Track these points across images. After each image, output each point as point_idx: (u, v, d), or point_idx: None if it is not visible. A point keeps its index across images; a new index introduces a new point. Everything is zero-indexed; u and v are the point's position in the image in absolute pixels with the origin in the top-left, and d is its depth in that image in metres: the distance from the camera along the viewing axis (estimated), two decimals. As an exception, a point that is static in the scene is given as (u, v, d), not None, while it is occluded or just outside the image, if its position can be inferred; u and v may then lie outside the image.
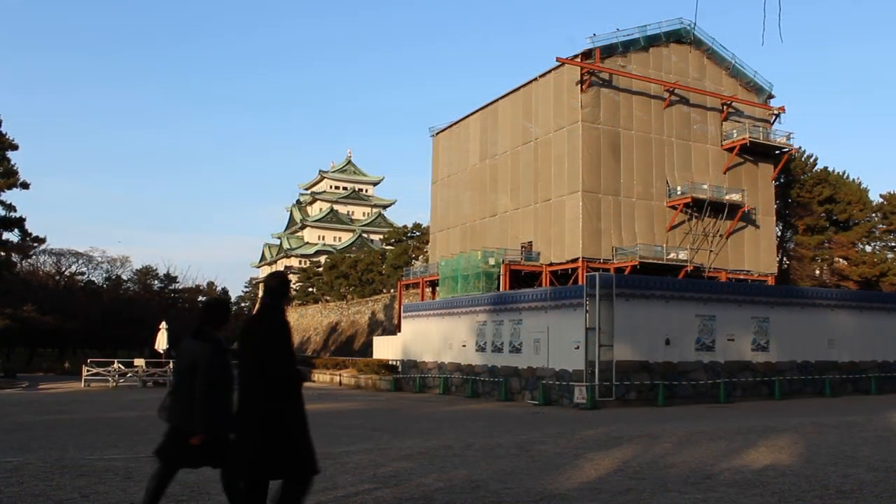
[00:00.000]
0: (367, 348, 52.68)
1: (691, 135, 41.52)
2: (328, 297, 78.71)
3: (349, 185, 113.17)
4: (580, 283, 28.20)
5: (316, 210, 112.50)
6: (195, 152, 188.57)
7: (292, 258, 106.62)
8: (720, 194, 40.54)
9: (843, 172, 53.05)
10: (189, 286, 75.58)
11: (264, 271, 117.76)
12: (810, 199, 50.41)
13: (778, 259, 47.82)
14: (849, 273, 49.17)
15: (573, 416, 19.32)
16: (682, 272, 38.42)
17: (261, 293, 5.23)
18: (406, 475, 8.52)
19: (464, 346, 30.10)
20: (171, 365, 36.14)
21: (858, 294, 34.49)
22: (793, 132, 43.77)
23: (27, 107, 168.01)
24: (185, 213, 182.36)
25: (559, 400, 23.86)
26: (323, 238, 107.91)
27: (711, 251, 40.96)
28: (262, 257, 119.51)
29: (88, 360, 37.94)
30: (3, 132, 43.02)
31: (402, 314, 37.20)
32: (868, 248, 52.24)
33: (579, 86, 38.24)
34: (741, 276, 40.82)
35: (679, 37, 41.79)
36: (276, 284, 5.24)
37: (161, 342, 37.25)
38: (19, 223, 44.17)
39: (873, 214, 52.29)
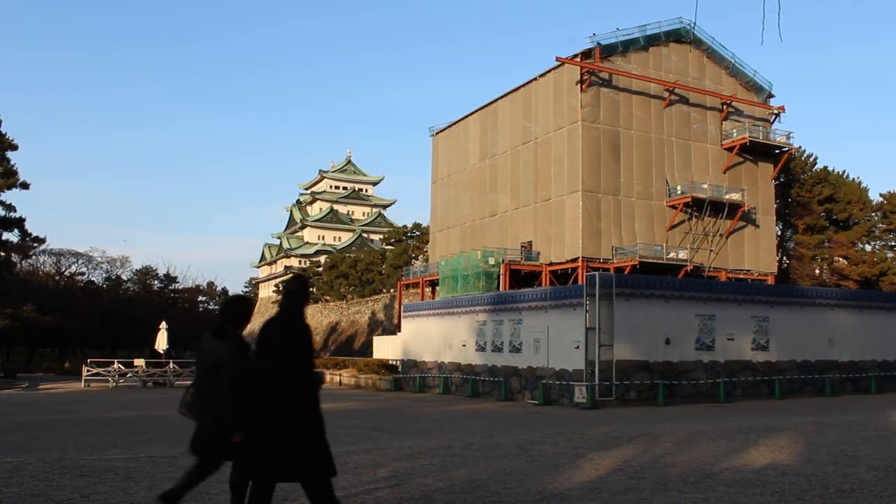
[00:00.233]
0: (367, 348, 52.69)
1: (691, 134, 41.52)
2: (328, 297, 78.70)
3: (349, 185, 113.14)
4: (580, 282, 28.21)
5: (316, 210, 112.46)
6: (195, 152, 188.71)
7: (292, 258, 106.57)
8: (720, 194, 40.54)
9: (843, 172, 53.10)
10: (189, 286, 75.75)
11: (264, 271, 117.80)
12: (810, 198, 50.42)
13: (778, 258, 47.82)
14: (849, 272, 49.18)
15: (573, 416, 19.32)
16: (681, 272, 38.43)
17: (281, 296, 5.26)
18: (406, 475, 8.52)
19: (464, 345, 30.11)
20: (172, 365, 36.15)
21: (858, 293, 34.50)
22: (793, 132, 43.91)
23: (27, 107, 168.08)
24: (184, 213, 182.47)
25: (559, 400, 23.86)
26: (323, 238, 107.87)
27: (711, 251, 40.96)
28: (262, 257, 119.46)
29: (88, 360, 37.95)
30: (3, 132, 43.04)
31: (402, 314, 37.21)
32: (868, 248, 52.26)
33: (579, 85, 38.24)
34: (741, 276, 40.83)
35: (679, 36, 41.79)
36: (296, 288, 5.28)
37: (161, 342, 37.25)
38: (19, 223, 44.18)
39: (873, 214, 52.31)
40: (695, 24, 42.20)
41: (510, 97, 43.66)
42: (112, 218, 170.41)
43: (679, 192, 40.04)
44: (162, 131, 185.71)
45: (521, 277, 39.94)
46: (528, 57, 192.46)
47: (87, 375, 34.92)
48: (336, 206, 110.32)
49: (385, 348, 40.87)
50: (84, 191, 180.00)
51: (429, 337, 33.15)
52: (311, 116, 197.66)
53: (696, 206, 40.10)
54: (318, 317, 76.08)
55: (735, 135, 41.78)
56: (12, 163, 43.28)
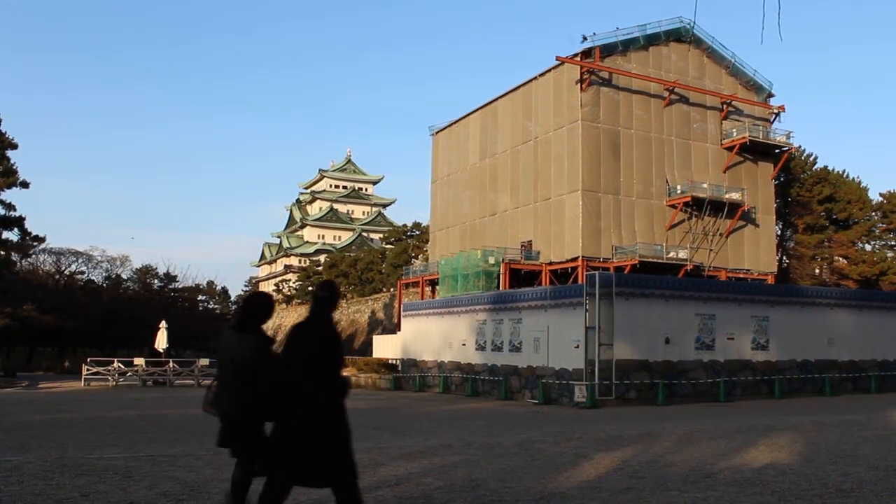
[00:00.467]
0: (367, 347, 52.68)
1: (691, 134, 41.52)
2: (328, 297, 78.57)
3: (349, 184, 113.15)
4: (580, 281, 28.21)
5: (316, 209, 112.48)
6: (195, 152, 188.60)
7: (292, 257, 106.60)
8: (720, 193, 40.55)
9: (843, 171, 53.11)
10: (189, 285, 75.60)
11: (264, 270, 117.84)
12: (810, 197, 50.43)
13: (778, 258, 47.83)
14: (848, 272, 49.19)
15: (573, 415, 19.32)
16: (681, 271, 38.44)
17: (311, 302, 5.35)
18: (406, 474, 8.52)
19: (463, 344, 30.10)
20: (172, 364, 36.16)
21: (858, 293, 34.50)
22: (792, 131, 43.94)
23: (27, 107, 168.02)
24: (184, 212, 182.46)
25: (559, 399, 23.86)
26: (323, 237, 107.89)
27: (711, 250, 40.97)
28: (262, 256, 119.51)
29: (88, 359, 37.93)
30: (3, 131, 43.07)
31: (402, 313, 37.20)
32: (868, 247, 52.27)
33: (579, 85, 38.24)
34: (741, 275, 40.84)
35: (679, 36, 41.79)
36: (326, 294, 5.35)
37: (161, 341, 37.25)
38: (19, 222, 44.19)
39: (873, 213, 52.32)
40: (695, 23, 42.24)
41: (510, 96, 43.65)
42: (112, 217, 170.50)
43: (679, 192, 40.04)
44: (162, 131, 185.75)
45: (521, 277, 39.95)
46: (528, 57, 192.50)
47: (87, 374, 34.92)
48: (336, 206, 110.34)
49: (385, 347, 40.86)
50: (84, 190, 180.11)
51: (429, 336, 33.15)
52: (311, 116, 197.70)
53: (696, 206, 40.10)
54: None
55: (735, 134, 41.78)
56: (12, 162, 43.33)
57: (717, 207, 40.61)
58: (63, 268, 69.13)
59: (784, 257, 51.74)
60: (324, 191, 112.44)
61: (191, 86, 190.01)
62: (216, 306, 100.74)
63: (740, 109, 42.89)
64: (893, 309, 29.69)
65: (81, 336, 60.92)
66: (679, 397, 23.67)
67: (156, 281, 74.29)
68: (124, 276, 73.82)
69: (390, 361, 37.08)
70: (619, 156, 39.05)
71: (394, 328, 48.20)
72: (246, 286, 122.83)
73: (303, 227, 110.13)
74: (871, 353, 28.52)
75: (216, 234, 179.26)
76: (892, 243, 52.50)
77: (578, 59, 38.53)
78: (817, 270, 51.26)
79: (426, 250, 57.62)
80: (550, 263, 39.28)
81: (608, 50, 39.24)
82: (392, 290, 60.57)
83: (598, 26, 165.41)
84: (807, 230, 50.76)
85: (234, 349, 5.47)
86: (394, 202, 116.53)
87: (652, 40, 40.85)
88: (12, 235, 45.29)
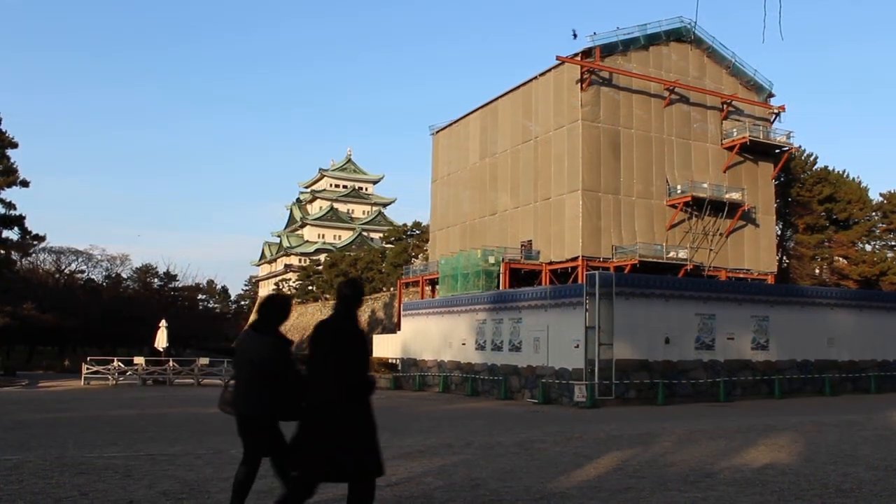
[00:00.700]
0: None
1: (691, 133, 41.50)
2: (328, 296, 78.69)
3: (349, 184, 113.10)
4: (580, 281, 28.20)
5: (316, 208, 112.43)
6: (195, 152, 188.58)
7: (292, 256, 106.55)
8: (720, 193, 40.53)
9: (843, 171, 53.11)
10: (189, 284, 75.68)
11: (264, 269, 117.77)
12: (810, 197, 50.42)
13: (778, 258, 47.82)
14: (848, 272, 49.19)
15: (573, 415, 19.32)
16: (681, 271, 38.43)
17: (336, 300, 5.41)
18: (406, 473, 8.52)
19: (463, 344, 30.10)
20: (171, 363, 36.15)
21: (858, 293, 34.50)
22: (793, 131, 43.92)
23: (27, 106, 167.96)
24: (184, 211, 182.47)
25: (559, 398, 23.86)
26: (323, 236, 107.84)
27: (711, 250, 40.95)
28: (262, 255, 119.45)
29: (88, 358, 37.95)
30: (3, 130, 43.05)
31: (402, 312, 37.20)
32: (868, 247, 52.28)
33: (579, 84, 38.21)
34: (741, 275, 40.83)
35: (679, 35, 41.76)
36: (351, 292, 5.33)
37: (161, 340, 37.26)
38: (19, 221, 44.19)
39: (873, 213, 52.32)
40: (695, 23, 42.18)
41: (510, 96, 43.63)
42: (112, 216, 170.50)
43: (679, 192, 40.03)
44: (162, 131, 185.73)
45: (521, 276, 39.94)
46: (528, 56, 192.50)
47: (87, 373, 34.91)
48: (336, 205, 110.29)
49: (385, 347, 40.84)
50: (84, 189, 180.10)
51: (428, 335, 33.15)
52: (311, 116, 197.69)
53: (696, 206, 40.09)
54: (318, 315, 76.12)
55: (735, 134, 41.76)
56: (12, 161, 43.33)
57: (717, 207, 40.60)
58: (63, 267, 69.15)
59: (784, 257, 51.73)
60: (324, 190, 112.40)
61: (191, 86, 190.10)
62: (216, 305, 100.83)
63: (740, 109, 42.87)
64: (893, 309, 29.69)
65: (81, 335, 60.96)
66: (679, 397, 23.66)
67: (156, 280, 74.35)
68: (124, 276, 73.89)
69: (390, 361, 37.08)
70: (619, 155, 39.04)
71: (394, 327, 48.20)
72: (246, 285, 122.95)
73: (303, 226, 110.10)
74: (870, 354, 28.52)
75: (216, 233, 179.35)
76: (892, 243, 52.50)
77: (579, 58, 38.51)
78: (817, 270, 51.26)
79: (426, 250, 57.60)
80: (550, 263, 39.27)
81: (608, 49, 39.22)
82: (392, 289, 60.57)
83: (599, 26, 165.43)
84: (807, 230, 50.76)
85: (252, 350, 5.56)
86: (394, 202, 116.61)
87: (652, 40, 40.82)
88: (12, 234, 45.34)
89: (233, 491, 5.59)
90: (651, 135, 40.17)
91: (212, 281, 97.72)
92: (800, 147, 50.11)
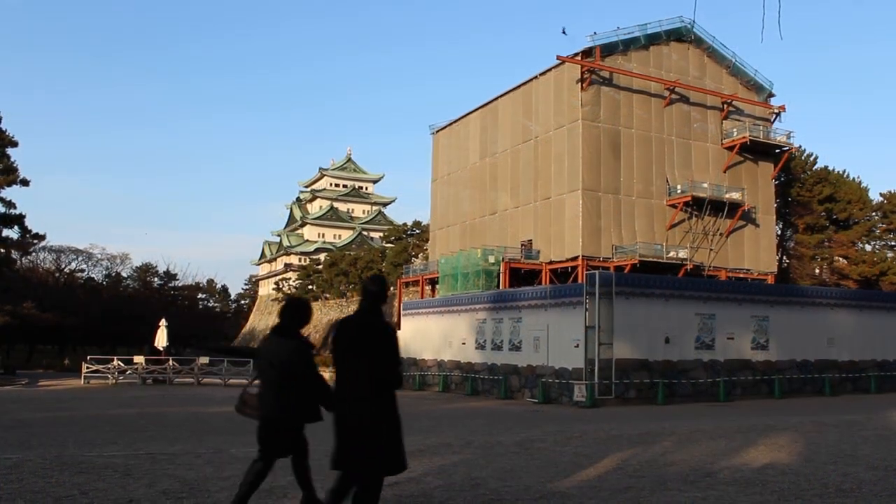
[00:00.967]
0: (367, 346, 52.59)
1: (691, 133, 41.49)
2: (328, 295, 78.73)
3: (349, 183, 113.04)
4: (580, 281, 28.20)
5: (316, 207, 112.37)
6: (195, 152, 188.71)
7: (292, 255, 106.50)
8: (720, 193, 40.53)
9: (844, 171, 53.11)
10: (189, 283, 75.73)
11: (264, 269, 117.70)
12: (810, 197, 50.41)
13: (778, 258, 47.82)
14: (848, 272, 49.18)
15: (573, 415, 19.32)
16: (681, 271, 38.42)
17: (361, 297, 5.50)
18: (405, 473, 8.49)
19: (463, 343, 30.10)
20: (171, 362, 36.13)
21: (858, 293, 34.50)
22: (793, 131, 43.91)
23: (27, 106, 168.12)
24: (184, 211, 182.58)
25: (559, 398, 23.86)
26: (323, 235, 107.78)
27: (711, 250, 40.95)
28: (262, 255, 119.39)
29: (88, 357, 37.91)
30: (3, 129, 43.06)
31: (402, 312, 37.20)
32: (868, 247, 52.27)
33: (579, 84, 38.20)
34: (741, 275, 40.83)
35: (679, 35, 41.75)
36: (377, 289, 5.35)
37: (161, 339, 37.25)
38: (19, 220, 44.20)
39: (873, 213, 52.30)
40: (695, 23, 42.19)
41: (510, 95, 43.62)
42: (112, 216, 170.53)
43: (679, 191, 40.02)
44: (162, 131, 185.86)
45: (521, 276, 39.93)
46: (528, 56, 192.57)
47: (87, 372, 34.89)
48: (336, 204, 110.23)
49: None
50: (84, 188, 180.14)
51: (428, 335, 33.15)
52: (311, 116, 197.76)
53: (696, 205, 40.08)
54: (318, 314, 76.10)
55: (735, 134, 41.75)
56: (12, 160, 43.37)
57: (717, 207, 40.59)
58: (63, 266, 69.16)
59: (784, 257, 51.73)
60: (324, 189, 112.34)
61: (191, 86, 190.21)
62: (216, 305, 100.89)
63: (741, 109, 42.86)
64: (893, 309, 29.69)
65: (81, 334, 60.98)
66: (679, 397, 23.67)
67: (156, 279, 74.40)
68: (124, 275, 73.95)
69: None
70: (619, 155, 39.03)
71: (394, 327, 48.18)
72: (246, 285, 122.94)
73: (303, 225, 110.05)
74: (870, 354, 28.53)
75: (216, 232, 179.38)
76: (892, 243, 52.50)
77: (579, 58, 38.50)
78: (817, 270, 51.26)
79: (426, 249, 57.59)
80: (550, 262, 39.27)
81: (609, 49, 39.20)
82: (392, 288, 60.56)
83: (599, 26, 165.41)
84: (807, 230, 50.75)
85: (276, 353, 5.67)
86: (394, 201, 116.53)
87: (652, 40, 40.81)
88: (12, 233, 45.35)
89: (244, 485, 5.62)
90: (651, 134, 40.16)
91: (212, 280, 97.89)
92: (800, 147, 50.13)
